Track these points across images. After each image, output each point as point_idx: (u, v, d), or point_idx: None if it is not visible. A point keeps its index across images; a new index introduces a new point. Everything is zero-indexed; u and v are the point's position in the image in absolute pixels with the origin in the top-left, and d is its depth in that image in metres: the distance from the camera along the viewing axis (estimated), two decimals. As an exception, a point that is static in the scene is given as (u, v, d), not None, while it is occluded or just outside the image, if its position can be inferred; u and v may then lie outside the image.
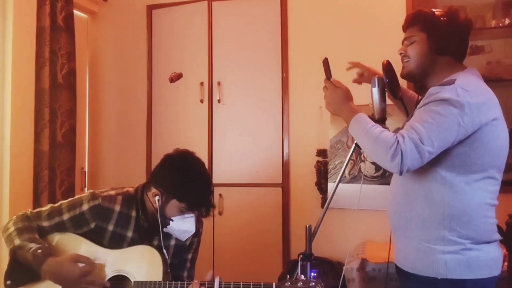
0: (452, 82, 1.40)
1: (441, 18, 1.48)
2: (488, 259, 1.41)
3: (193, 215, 1.64)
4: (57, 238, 1.65)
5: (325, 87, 1.55)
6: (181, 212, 1.63)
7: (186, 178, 1.61)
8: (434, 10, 1.52)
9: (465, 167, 1.38)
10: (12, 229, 1.59)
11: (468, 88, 1.36)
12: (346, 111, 1.50)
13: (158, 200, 1.63)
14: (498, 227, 1.63)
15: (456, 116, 1.33)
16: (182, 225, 1.64)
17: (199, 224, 1.81)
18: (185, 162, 1.66)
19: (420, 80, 1.56)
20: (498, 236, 1.46)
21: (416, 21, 1.53)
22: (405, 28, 1.57)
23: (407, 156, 1.30)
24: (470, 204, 1.39)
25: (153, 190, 1.65)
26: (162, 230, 1.64)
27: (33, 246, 1.52)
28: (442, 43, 1.48)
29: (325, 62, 1.55)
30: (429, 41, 1.49)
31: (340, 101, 1.51)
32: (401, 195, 1.52)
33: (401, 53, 1.56)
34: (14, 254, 1.55)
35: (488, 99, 1.40)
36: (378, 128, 1.39)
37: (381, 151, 1.34)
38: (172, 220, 1.64)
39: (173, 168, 1.65)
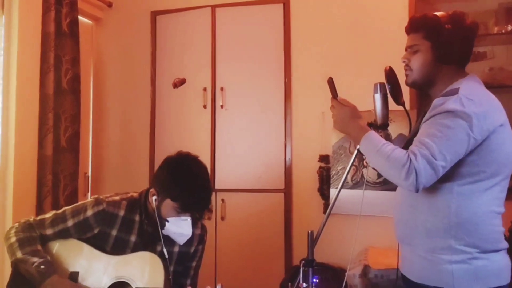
0: (455, 92, 1.37)
1: (446, 26, 1.43)
2: (495, 268, 1.38)
3: (188, 218, 1.63)
4: (59, 244, 1.64)
5: (332, 106, 1.53)
6: (177, 213, 1.62)
7: (180, 177, 1.62)
8: (439, 14, 1.47)
9: (473, 175, 1.36)
10: (13, 239, 1.59)
11: (473, 97, 1.34)
12: (355, 129, 1.47)
13: (155, 199, 1.64)
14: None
15: (464, 127, 1.31)
16: (177, 228, 1.64)
17: (203, 231, 1.81)
18: (182, 162, 1.67)
19: (425, 89, 1.55)
20: (505, 245, 1.42)
21: (420, 27, 1.49)
22: (408, 32, 1.54)
23: (421, 173, 1.28)
24: (476, 212, 1.37)
25: (151, 190, 1.66)
26: (162, 232, 1.64)
27: (36, 260, 1.52)
28: (447, 52, 1.44)
29: (330, 82, 1.53)
30: (433, 50, 1.46)
31: (348, 120, 1.49)
32: (406, 203, 1.50)
33: (404, 61, 1.54)
34: (16, 266, 1.56)
35: (493, 106, 1.39)
36: (390, 146, 1.36)
37: (394, 170, 1.32)
38: (168, 221, 1.63)
39: (169, 168, 1.66)
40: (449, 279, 1.37)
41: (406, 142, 1.48)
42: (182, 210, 1.61)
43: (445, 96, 1.39)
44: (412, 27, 1.51)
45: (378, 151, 1.36)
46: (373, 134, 1.43)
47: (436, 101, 1.40)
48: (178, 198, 1.60)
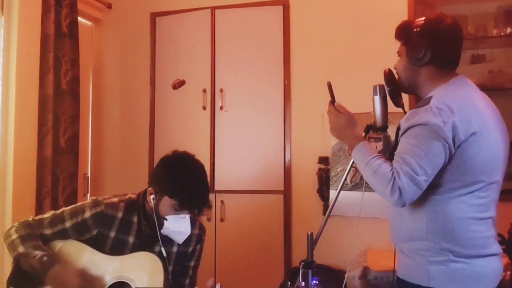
0: (427, 102, 1.38)
1: (415, 30, 1.46)
2: (475, 273, 1.38)
3: (187, 216, 1.63)
4: (59, 245, 1.65)
5: (329, 111, 1.56)
6: (175, 211, 1.62)
7: (177, 174, 1.62)
8: (417, 20, 1.50)
9: (448, 184, 1.37)
10: (14, 236, 1.59)
11: (443, 107, 1.34)
12: (349, 138, 1.51)
13: (153, 198, 1.64)
14: (500, 235, 1.61)
15: (439, 138, 1.32)
16: (176, 226, 1.64)
17: (201, 232, 1.81)
18: (178, 160, 1.68)
19: (412, 93, 1.59)
20: (495, 250, 1.42)
21: (398, 35, 1.54)
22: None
23: (405, 191, 1.31)
24: (451, 219, 1.38)
25: (149, 189, 1.67)
26: (160, 231, 1.64)
27: (38, 253, 1.53)
28: (416, 55, 1.46)
29: (329, 86, 1.55)
30: (407, 55, 1.49)
31: (343, 127, 1.52)
32: (394, 208, 1.52)
33: (395, 69, 1.59)
34: (18, 261, 1.56)
35: (466, 113, 1.36)
36: (378, 160, 1.38)
37: (380, 186, 1.35)
38: (166, 220, 1.64)
39: (166, 165, 1.67)
40: (425, 277, 1.40)
41: (389, 154, 1.49)
42: (180, 206, 1.61)
43: (418, 108, 1.40)
44: (396, 36, 1.56)
45: (367, 165, 1.40)
46: (363, 146, 1.45)
47: (409, 113, 1.42)
48: (175, 194, 1.60)
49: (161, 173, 1.66)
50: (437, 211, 1.39)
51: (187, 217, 1.64)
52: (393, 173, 1.32)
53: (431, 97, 1.40)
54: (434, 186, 1.37)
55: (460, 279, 1.37)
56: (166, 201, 1.62)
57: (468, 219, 1.38)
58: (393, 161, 1.37)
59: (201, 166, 1.69)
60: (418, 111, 1.38)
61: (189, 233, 1.66)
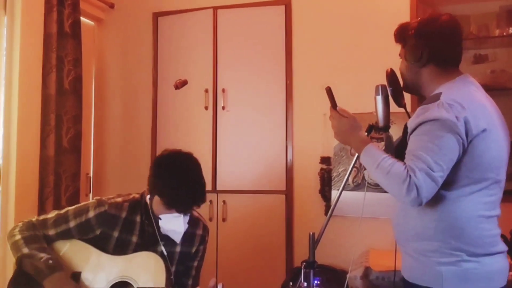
0: (437, 98, 1.38)
1: (410, 32, 1.46)
2: (486, 272, 1.37)
3: (180, 215, 1.63)
4: (66, 246, 1.66)
5: (331, 116, 1.53)
6: (166, 210, 1.62)
7: (164, 173, 1.62)
8: (413, 21, 1.50)
9: (457, 181, 1.36)
10: (18, 237, 1.59)
11: (453, 102, 1.34)
12: (355, 142, 1.48)
13: (149, 198, 1.66)
14: (503, 236, 1.61)
15: (453, 133, 1.31)
16: (170, 225, 1.64)
17: (205, 232, 1.82)
18: (169, 159, 1.66)
19: (417, 93, 1.59)
20: (501, 248, 1.42)
21: (397, 38, 1.54)
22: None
23: (422, 188, 1.28)
24: (461, 217, 1.37)
25: (146, 189, 1.68)
26: (160, 231, 1.65)
27: (43, 256, 1.53)
28: (414, 57, 1.46)
29: (329, 91, 1.52)
30: (406, 57, 1.50)
31: (347, 131, 1.49)
32: (399, 207, 1.51)
33: (400, 70, 1.59)
34: (21, 262, 1.56)
35: (475, 110, 1.36)
36: (389, 160, 1.35)
37: (395, 186, 1.32)
38: (160, 219, 1.65)
39: (156, 164, 1.67)
40: (439, 280, 1.38)
41: (396, 151, 1.49)
42: (168, 206, 1.61)
43: (427, 104, 1.39)
44: (395, 39, 1.56)
45: (378, 167, 1.37)
46: (372, 148, 1.43)
47: (419, 110, 1.41)
48: (162, 193, 1.60)
49: (151, 172, 1.66)
50: (446, 210, 1.37)
51: (180, 216, 1.64)
52: (407, 171, 1.29)
53: (440, 93, 1.39)
54: (444, 184, 1.35)
55: (472, 279, 1.36)
56: (157, 200, 1.63)
57: (477, 217, 1.37)
58: (406, 159, 1.34)
59: (193, 165, 1.66)
60: (429, 107, 1.37)
61: (182, 232, 1.67)
